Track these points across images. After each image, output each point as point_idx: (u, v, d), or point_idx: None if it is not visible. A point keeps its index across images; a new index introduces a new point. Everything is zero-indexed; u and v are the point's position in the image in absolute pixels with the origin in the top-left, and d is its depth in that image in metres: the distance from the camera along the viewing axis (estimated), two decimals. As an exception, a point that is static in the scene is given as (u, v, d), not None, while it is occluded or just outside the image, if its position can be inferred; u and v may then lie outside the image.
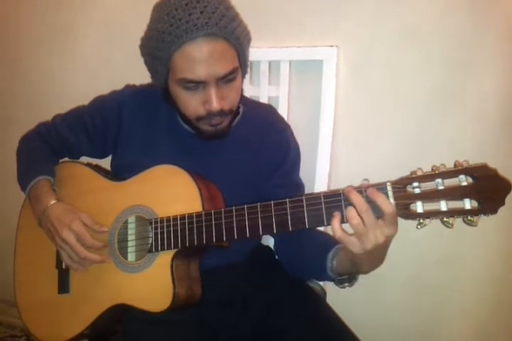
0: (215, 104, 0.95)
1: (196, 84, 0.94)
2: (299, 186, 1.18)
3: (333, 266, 0.95)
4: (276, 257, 1.18)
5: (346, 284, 0.95)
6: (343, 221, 0.81)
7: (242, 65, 1.00)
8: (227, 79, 0.95)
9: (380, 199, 0.78)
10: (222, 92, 0.96)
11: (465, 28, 1.21)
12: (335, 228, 0.81)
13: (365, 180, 0.83)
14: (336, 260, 0.94)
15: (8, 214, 1.29)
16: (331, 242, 0.97)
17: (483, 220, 0.76)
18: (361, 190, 0.80)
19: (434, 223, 0.78)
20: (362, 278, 0.95)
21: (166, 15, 0.92)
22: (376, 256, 0.86)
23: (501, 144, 1.23)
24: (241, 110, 1.13)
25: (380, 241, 0.80)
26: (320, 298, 1.14)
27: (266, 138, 1.13)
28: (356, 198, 0.79)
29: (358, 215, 0.79)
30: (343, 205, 0.81)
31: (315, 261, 0.98)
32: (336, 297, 1.16)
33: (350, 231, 0.81)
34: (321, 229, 1.08)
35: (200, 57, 0.91)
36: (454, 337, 1.38)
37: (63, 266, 1.09)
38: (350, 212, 0.79)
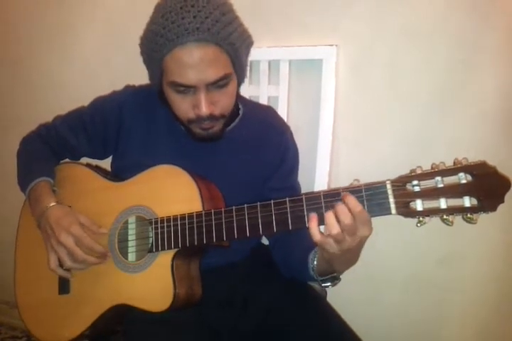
0: (204, 109, 0.95)
1: (186, 88, 0.94)
2: (295, 190, 1.18)
3: (314, 267, 0.96)
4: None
5: (329, 284, 0.96)
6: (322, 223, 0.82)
7: (237, 71, 0.99)
8: (219, 84, 0.95)
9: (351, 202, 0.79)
10: (212, 97, 0.96)
11: (466, 28, 1.21)
12: (313, 231, 0.82)
13: (355, 180, 0.83)
14: (316, 260, 0.96)
15: (8, 215, 1.29)
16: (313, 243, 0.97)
17: (483, 218, 0.76)
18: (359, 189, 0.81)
19: (434, 221, 0.78)
20: (363, 278, 0.95)
21: (161, 17, 0.92)
22: (350, 255, 0.87)
23: (501, 144, 1.23)
24: (241, 111, 1.14)
25: (354, 242, 0.81)
26: (320, 297, 1.13)
27: (265, 139, 1.14)
28: (340, 209, 0.80)
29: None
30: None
31: (301, 262, 0.99)
32: (337, 296, 1.16)
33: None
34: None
35: (190, 62, 0.90)
36: (454, 336, 1.38)
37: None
38: (330, 219, 0.80)
